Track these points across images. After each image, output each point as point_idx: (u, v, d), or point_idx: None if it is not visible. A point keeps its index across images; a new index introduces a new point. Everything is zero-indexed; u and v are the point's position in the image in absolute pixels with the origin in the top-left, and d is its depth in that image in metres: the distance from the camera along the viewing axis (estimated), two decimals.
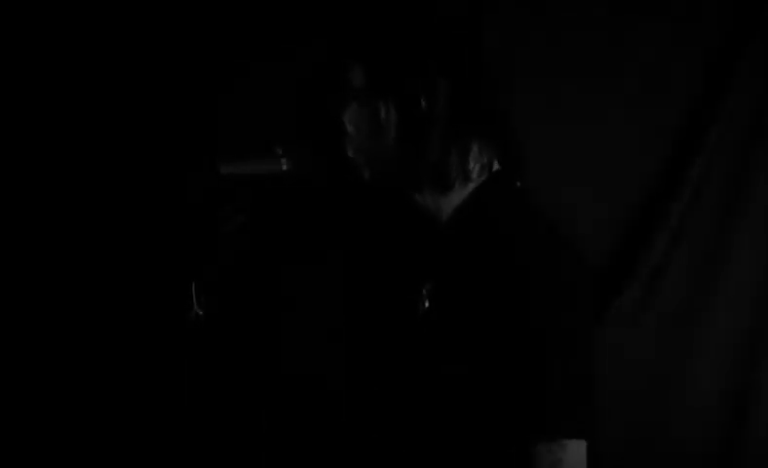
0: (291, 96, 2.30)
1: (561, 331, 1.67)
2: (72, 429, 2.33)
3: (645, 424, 2.39)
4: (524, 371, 1.67)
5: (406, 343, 1.86)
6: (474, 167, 1.81)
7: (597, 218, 2.40)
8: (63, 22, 2.33)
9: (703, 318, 2.39)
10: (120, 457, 2.33)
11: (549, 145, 2.33)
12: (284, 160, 1.88)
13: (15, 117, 2.33)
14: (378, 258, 2.12)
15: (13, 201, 2.34)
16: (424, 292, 1.85)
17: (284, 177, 1.88)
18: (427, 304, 1.84)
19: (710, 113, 2.37)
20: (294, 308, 2.37)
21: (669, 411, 2.39)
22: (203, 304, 1.83)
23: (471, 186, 1.82)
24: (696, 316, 2.39)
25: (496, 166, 1.83)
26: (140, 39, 2.33)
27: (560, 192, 2.33)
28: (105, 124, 2.34)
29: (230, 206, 1.90)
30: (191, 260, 1.88)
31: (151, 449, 2.32)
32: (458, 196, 1.83)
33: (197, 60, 2.34)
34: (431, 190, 1.84)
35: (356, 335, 2.25)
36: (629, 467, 2.39)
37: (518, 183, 1.83)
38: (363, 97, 1.83)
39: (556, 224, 1.77)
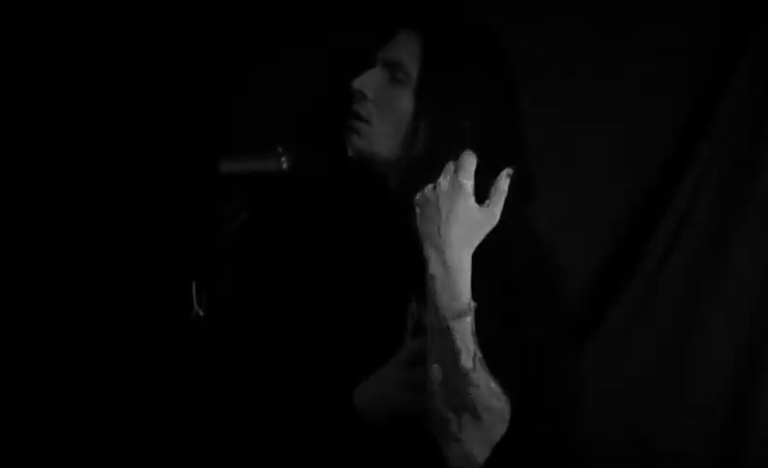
0: (292, 95, 2.31)
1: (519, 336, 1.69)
2: (71, 429, 2.33)
3: (645, 424, 2.39)
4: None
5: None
6: None
7: (597, 218, 2.40)
8: (62, 21, 2.33)
9: (703, 318, 2.39)
10: (119, 457, 2.33)
11: (549, 145, 2.33)
12: (284, 158, 1.88)
13: (15, 117, 2.34)
14: (367, 267, 2.12)
15: (13, 200, 2.34)
16: (413, 303, 1.84)
17: (284, 176, 1.88)
18: (416, 313, 1.84)
19: (711, 113, 2.37)
20: (293, 308, 2.37)
21: (669, 411, 2.39)
22: (203, 304, 1.83)
23: None
24: (696, 316, 2.39)
25: None
26: (140, 38, 2.33)
27: (561, 192, 2.33)
28: (105, 124, 2.34)
29: (231, 205, 1.90)
30: (191, 260, 1.88)
31: (151, 450, 2.32)
32: None
33: (197, 60, 2.34)
34: (409, 189, 1.83)
35: (347, 345, 2.25)
36: (629, 467, 2.39)
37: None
38: (405, 83, 1.81)
39: (530, 234, 1.79)
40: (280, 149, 1.88)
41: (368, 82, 1.82)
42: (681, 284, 2.40)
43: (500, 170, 1.76)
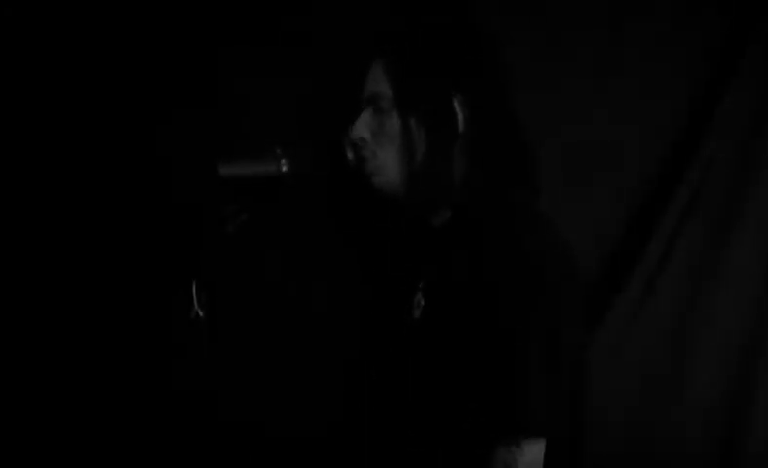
0: (292, 96, 2.31)
1: (532, 335, 1.68)
2: (71, 429, 2.33)
3: (645, 424, 2.39)
4: (491, 372, 1.69)
5: (404, 342, 1.88)
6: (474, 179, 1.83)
7: (597, 218, 2.40)
8: (62, 21, 2.33)
9: (703, 318, 2.39)
10: (119, 457, 2.33)
11: (548, 145, 2.32)
12: (283, 161, 1.89)
13: (15, 117, 2.34)
14: (374, 260, 2.13)
15: (13, 200, 2.34)
16: (419, 293, 1.86)
17: (283, 178, 1.89)
18: (423, 303, 1.85)
19: (710, 113, 2.37)
20: (294, 308, 2.37)
21: (669, 411, 2.39)
22: (203, 304, 1.83)
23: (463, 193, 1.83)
24: (696, 316, 2.39)
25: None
26: (141, 39, 2.34)
27: (560, 192, 2.33)
28: (106, 124, 2.34)
29: (231, 206, 1.90)
30: (191, 260, 1.89)
31: (150, 450, 2.32)
32: (450, 203, 1.84)
33: (197, 60, 2.34)
34: (429, 198, 1.84)
35: (355, 334, 2.25)
36: (629, 467, 2.39)
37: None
38: (388, 107, 1.83)
39: (547, 234, 1.78)
40: (278, 152, 1.89)
41: (360, 126, 1.87)
42: (681, 283, 2.40)
43: (496, 165, 1.78)
